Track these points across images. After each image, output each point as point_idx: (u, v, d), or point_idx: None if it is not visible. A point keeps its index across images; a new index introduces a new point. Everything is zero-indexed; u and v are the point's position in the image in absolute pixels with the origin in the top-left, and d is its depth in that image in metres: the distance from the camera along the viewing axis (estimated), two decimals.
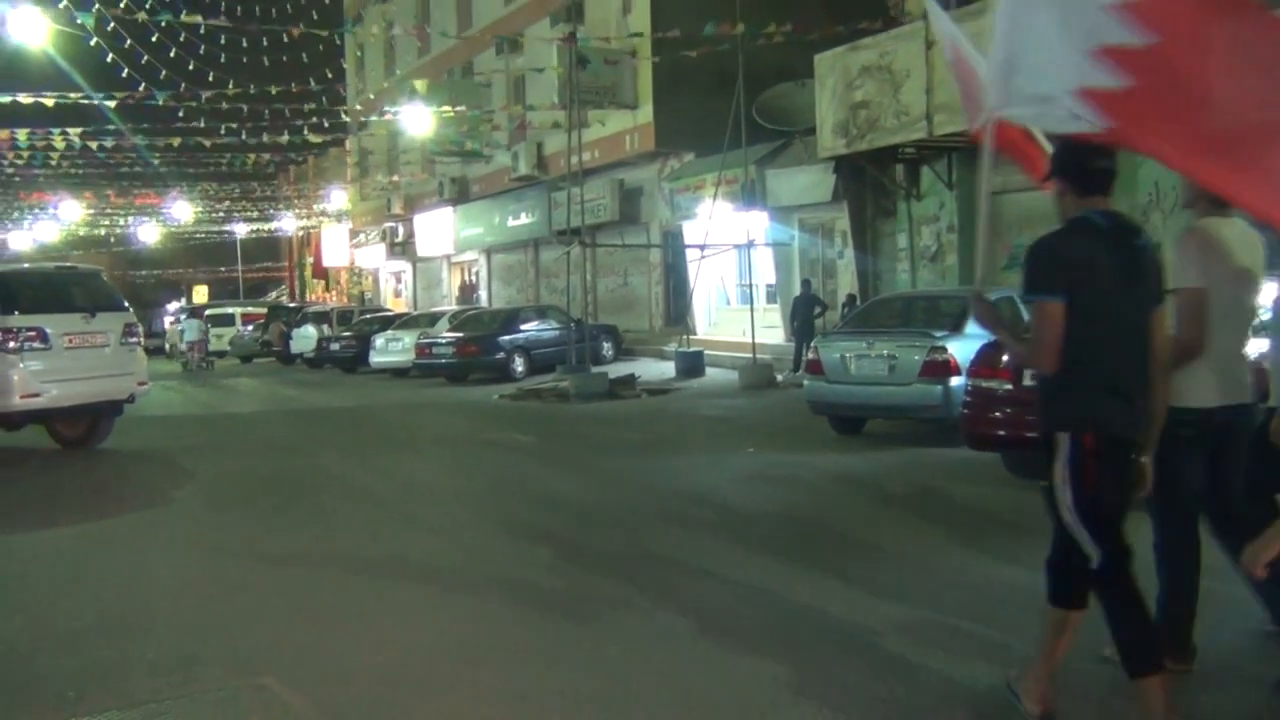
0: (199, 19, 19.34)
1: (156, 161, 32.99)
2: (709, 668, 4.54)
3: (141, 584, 6.34)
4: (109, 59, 20.52)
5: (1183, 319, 3.93)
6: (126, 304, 12.73)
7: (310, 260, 52.52)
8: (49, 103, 20.06)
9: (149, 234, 51.36)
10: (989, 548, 6.22)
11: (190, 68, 23.16)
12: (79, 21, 17.75)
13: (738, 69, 18.08)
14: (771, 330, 20.35)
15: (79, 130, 24.56)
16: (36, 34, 18.61)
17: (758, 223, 20.14)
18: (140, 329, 12.94)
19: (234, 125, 25.29)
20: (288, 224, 50.51)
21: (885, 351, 10.47)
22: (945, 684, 4.23)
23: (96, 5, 18.10)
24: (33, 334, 11.07)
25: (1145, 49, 3.38)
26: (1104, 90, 3.46)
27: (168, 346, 35.88)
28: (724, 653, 4.69)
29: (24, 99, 19.72)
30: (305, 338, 30.06)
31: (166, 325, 41.24)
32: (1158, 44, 3.36)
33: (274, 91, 22.57)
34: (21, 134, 24.57)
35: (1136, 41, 3.39)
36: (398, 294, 42.71)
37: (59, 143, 25.05)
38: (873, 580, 5.74)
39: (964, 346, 9.52)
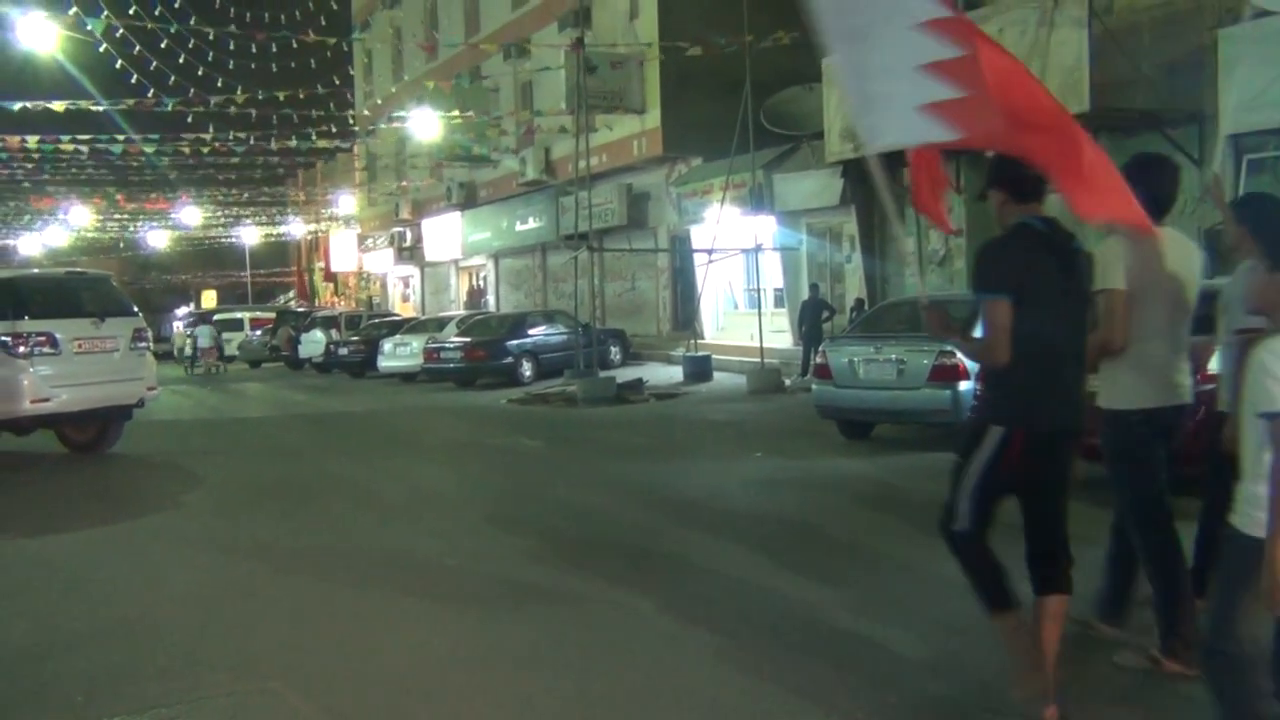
0: (207, 27, 19.45)
1: (165, 165, 33.09)
2: (717, 672, 4.54)
3: (150, 589, 6.35)
4: (118, 65, 20.65)
5: (1104, 318, 4.14)
6: (136, 309, 12.76)
7: (319, 265, 52.63)
8: (59, 108, 20.15)
9: (158, 239, 51.51)
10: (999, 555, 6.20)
11: (199, 73, 23.29)
12: (88, 28, 17.84)
13: (745, 74, 18.09)
14: (779, 335, 20.33)
15: (88, 136, 24.65)
16: (46, 40, 18.70)
17: (765, 227, 20.13)
18: (149, 334, 12.98)
19: (242, 132, 25.38)
20: (296, 229, 50.63)
21: (894, 356, 10.45)
22: (955, 691, 4.23)
23: (105, 13, 18.19)
24: (42, 339, 11.11)
25: (962, 59, 3.63)
26: (945, 101, 3.66)
27: (176, 351, 35.98)
28: (732, 657, 4.69)
29: (32, 105, 19.81)
30: (313, 342, 30.11)
31: (175, 330, 41.29)
32: (971, 55, 3.63)
33: (282, 97, 22.66)
34: (31, 139, 24.67)
35: (954, 54, 3.63)
36: (405, 299, 42.77)
37: (68, 147, 25.14)
38: (881, 587, 5.73)
39: None
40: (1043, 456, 3.77)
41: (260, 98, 22.62)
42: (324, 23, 24.76)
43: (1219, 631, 2.97)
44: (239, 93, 22.37)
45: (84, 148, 24.78)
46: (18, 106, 19.64)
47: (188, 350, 32.82)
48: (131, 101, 20.67)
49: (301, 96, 23.27)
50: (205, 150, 25.61)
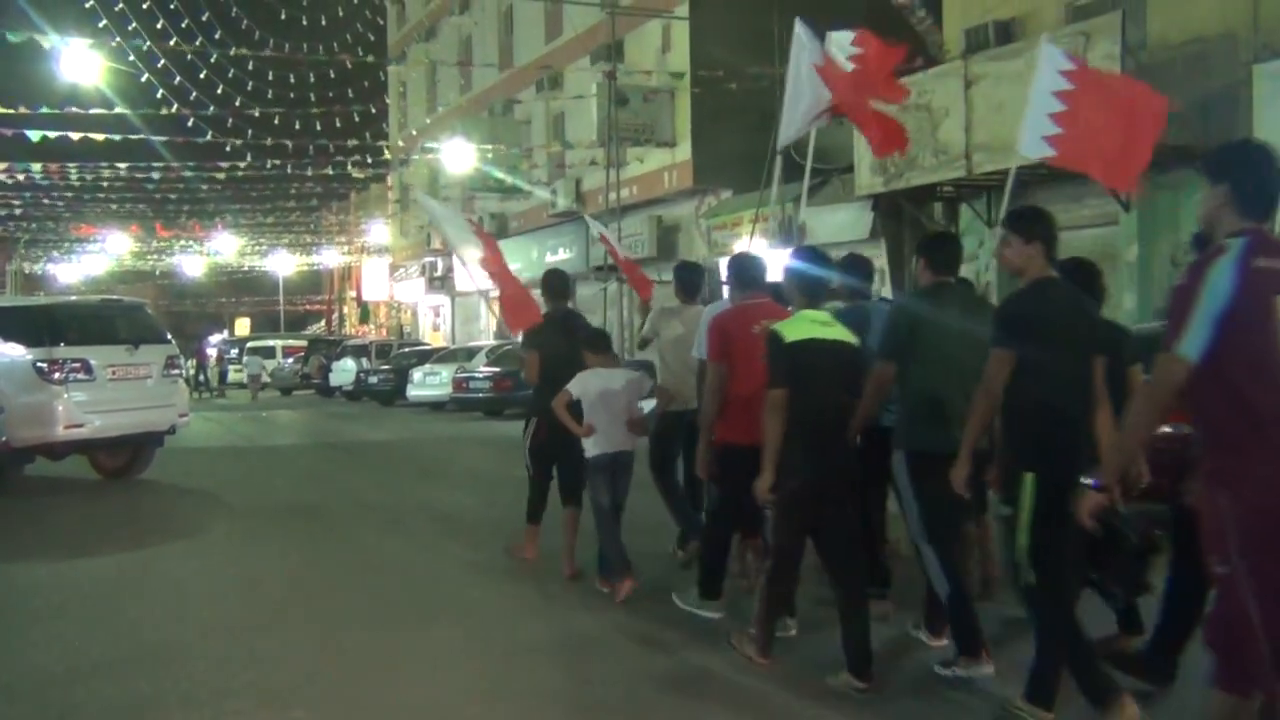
0: (246, 50, 19.76)
1: (202, 193, 33.61)
2: (747, 710, 4.49)
3: (177, 616, 6.38)
4: (159, 94, 21.00)
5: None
6: (169, 336, 12.89)
7: (351, 294, 53.06)
8: (98, 138, 20.50)
9: (193, 267, 52.12)
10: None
11: (237, 103, 23.65)
12: (131, 59, 18.17)
13: (776, 107, 18.12)
14: None
15: (126, 164, 25.05)
16: (89, 71, 19.04)
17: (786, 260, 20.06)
18: (183, 361, 13.07)
19: (278, 160, 25.73)
20: (329, 258, 51.09)
21: None
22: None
23: (148, 43, 18.52)
24: (77, 365, 11.22)
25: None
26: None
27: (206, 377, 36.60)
28: (761, 693, 4.64)
29: (75, 136, 20.15)
30: (344, 371, 30.32)
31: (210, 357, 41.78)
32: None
33: (318, 127, 22.98)
34: (72, 167, 25.11)
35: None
36: (436, 328, 43.00)
37: (107, 173, 25.56)
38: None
39: None
40: (554, 435, 6.72)
41: (297, 128, 22.95)
42: (361, 54, 25.11)
43: None
44: (276, 121, 22.71)
45: (123, 175, 25.17)
46: (57, 134, 19.99)
47: (192, 371, 33.66)
48: (167, 114, 20.96)
49: (337, 126, 23.58)
50: (241, 178, 25.97)
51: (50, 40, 17.10)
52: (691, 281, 7.30)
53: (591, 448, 6.43)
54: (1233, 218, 3.13)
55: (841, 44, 8.15)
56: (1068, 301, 4.20)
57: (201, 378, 35.12)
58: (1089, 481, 3.44)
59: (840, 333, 4.91)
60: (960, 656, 4.68)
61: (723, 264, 13.12)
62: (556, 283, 7.52)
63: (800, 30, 8.13)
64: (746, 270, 5.99)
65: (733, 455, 5.32)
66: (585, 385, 6.41)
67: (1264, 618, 2.95)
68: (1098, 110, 6.62)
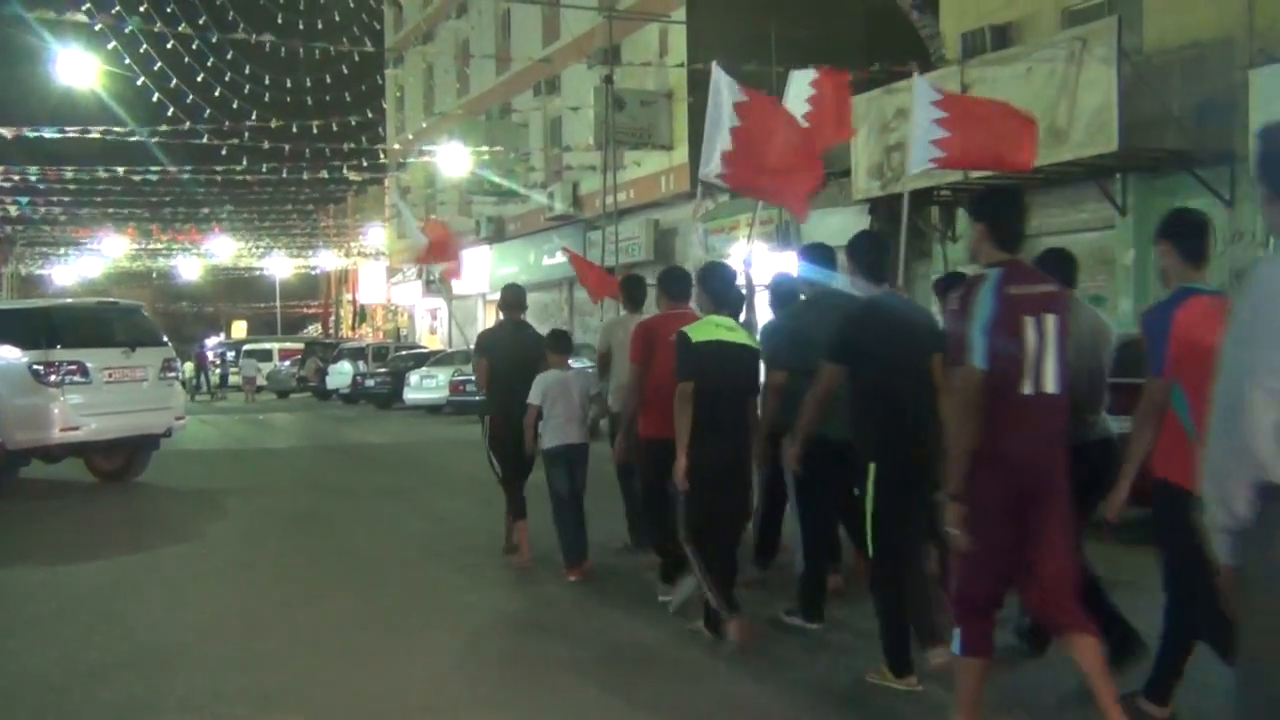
0: (241, 35, 19.74)
1: (199, 196, 33.57)
2: (741, 712, 4.49)
3: (174, 619, 6.37)
4: (155, 98, 20.99)
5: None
6: (166, 339, 12.87)
7: (348, 297, 53.01)
8: (95, 138, 20.47)
9: (190, 269, 52.04)
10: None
11: (234, 106, 23.61)
12: (127, 62, 18.15)
13: None
14: None
15: (124, 168, 25.02)
16: (85, 75, 19.03)
17: (792, 264, 20.06)
18: (179, 364, 13.04)
19: (275, 163, 25.71)
20: (326, 260, 51.03)
21: None
22: None
23: (144, 45, 18.51)
24: (73, 368, 11.21)
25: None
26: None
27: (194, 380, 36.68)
28: (757, 692, 4.64)
29: (72, 132, 20.13)
30: (341, 374, 30.28)
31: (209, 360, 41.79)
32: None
33: (315, 129, 22.97)
34: (69, 170, 25.07)
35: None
36: (433, 331, 42.97)
37: (104, 176, 25.53)
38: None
39: None
40: (506, 431, 7.34)
41: (294, 130, 22.94)
42: (358, 58, 25.11)
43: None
44: (273, 124, 22.68)
45: (120, 177, 25.14)
46: (56, 136, 19.98)
47: (191, 374, 33.74)
48: (168, 126, 20.95)
49: (334, 129, 23.56)
50: (238, 181, 25.96)
51: (47, 37, 17.09)
52: (636, 293, 7.84)
53: (547, 440, 6.98)
54: (991, 250, 3.81)
55: (800, 83, 8.70)
56: (894, 313, 4.95)
57: (199, 380, 35.21)
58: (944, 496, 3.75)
59: (740, 337, 5.60)
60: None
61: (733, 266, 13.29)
62: (511, 296, 8.17)
63: (717, 72, 8.50)
64: (674, 282, 6.44)
65: (657, 448, 5.71)
66: (545, 385, 7.03)
67: (986, 583, 3.72)
68: (973, 121, 7.60)
